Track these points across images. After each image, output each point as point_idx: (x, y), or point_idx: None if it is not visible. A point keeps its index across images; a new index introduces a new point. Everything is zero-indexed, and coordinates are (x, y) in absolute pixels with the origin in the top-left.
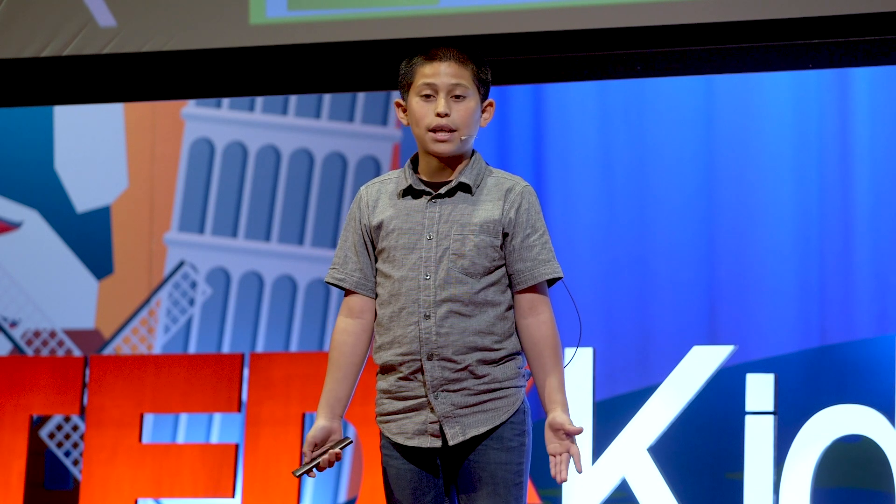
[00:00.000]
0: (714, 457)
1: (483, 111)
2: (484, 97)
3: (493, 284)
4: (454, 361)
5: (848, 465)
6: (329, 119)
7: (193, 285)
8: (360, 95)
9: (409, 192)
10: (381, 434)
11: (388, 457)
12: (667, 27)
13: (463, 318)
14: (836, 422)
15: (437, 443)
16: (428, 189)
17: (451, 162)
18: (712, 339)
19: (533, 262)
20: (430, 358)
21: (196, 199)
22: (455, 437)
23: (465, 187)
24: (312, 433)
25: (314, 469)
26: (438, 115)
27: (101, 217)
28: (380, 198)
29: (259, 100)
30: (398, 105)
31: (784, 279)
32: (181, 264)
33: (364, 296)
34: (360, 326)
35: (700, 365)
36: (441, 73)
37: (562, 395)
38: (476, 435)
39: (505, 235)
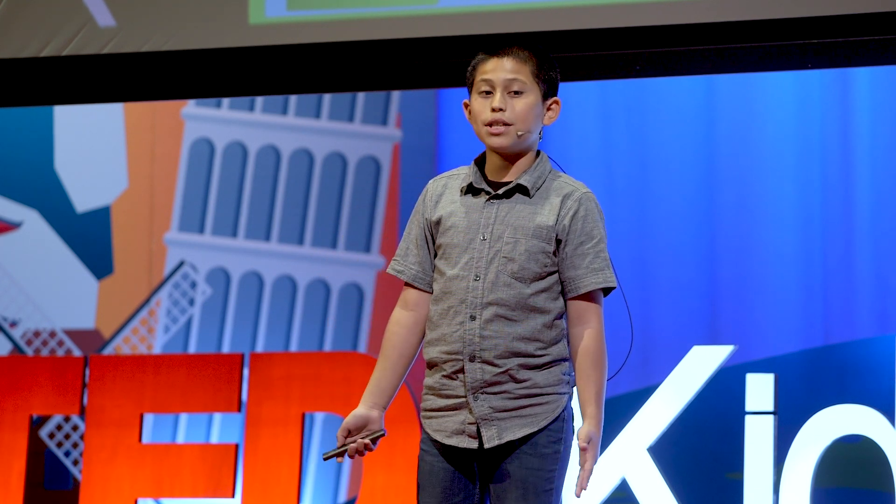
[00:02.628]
0: (714, 457)
1: (548, 108)
2: (547, 95)
3: (544, 291)
4: (495, 365)
5: (848, 465)
6: (329, 119)
7: (193, 285)
8: (360, 95)
9: (471, 189)
10: (422, 429)
11: (426, 452)
12: (667, 27)
13: (509, 322)
14: (836, 422)
15: (474, 444)
16: (488, 188)
17: (513, 161)
18: (712, 339)
19: (584, 271)
20: (471, 359)
21: (196, 199)
22: (491, 439)
23: (522, 189)
24: (347, 419)
25: (343, 456)
26: (493, 109)
27: (101, 217)
28: (444, 193)
29: (259, 100)
30: (465, 105)
31: (784, 279)
32: (181, 264)
33: (420, 290)
34: (412, 319)
35: (700, 365)
36: (498, 68)
37: (593, 406)
38: (512, 440)
39: (559, 242)
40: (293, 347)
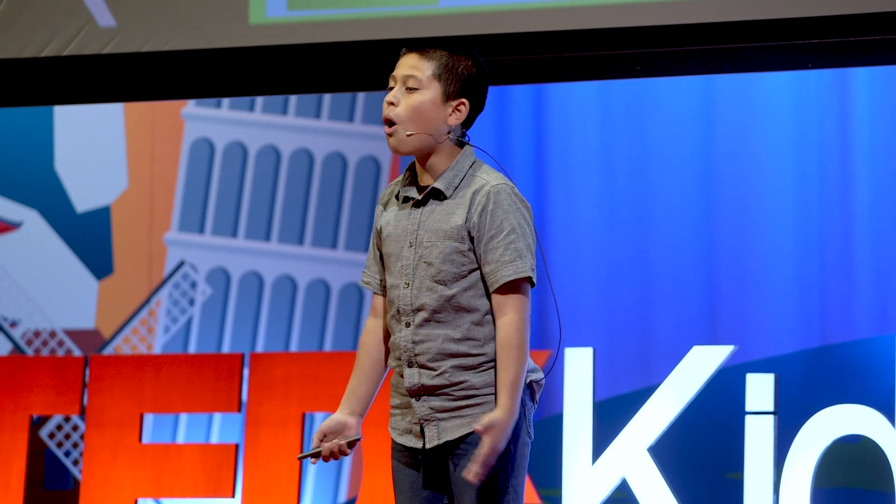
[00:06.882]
0: (714, 457)
1: (455, 109)
2: (453, 94)
3: (468, 289)
4: (431, 369)
5: (848, 465)
6: (329, 119)
7: (193, 285)
8: (360, 95)
9: (404, 196)
10: None
11: (393, 450)
12: (667, 27)
13: (438, 325)
14: (836, 422)
15: (419, 443)
16: (414, 194)
17: (430, 163)
18: (712, 339)
19: (497, 265)
20: (409, 365)
21: (196, 199)
22: (432, 439)
23: (437, 192)
24: (323, 423)
25: (318, 458)
26: (385, 101)
27: (101, 217)
28: (389, 201)
29: (259, 100)
30: None
31: (784, 279)
32: (181, 264)
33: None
34: (381, 326)
35: (700, 365)
36: (401, 64)
37: (504, 395)
38: (453, 440)
39: (473, 239)
40: (293, 347)
